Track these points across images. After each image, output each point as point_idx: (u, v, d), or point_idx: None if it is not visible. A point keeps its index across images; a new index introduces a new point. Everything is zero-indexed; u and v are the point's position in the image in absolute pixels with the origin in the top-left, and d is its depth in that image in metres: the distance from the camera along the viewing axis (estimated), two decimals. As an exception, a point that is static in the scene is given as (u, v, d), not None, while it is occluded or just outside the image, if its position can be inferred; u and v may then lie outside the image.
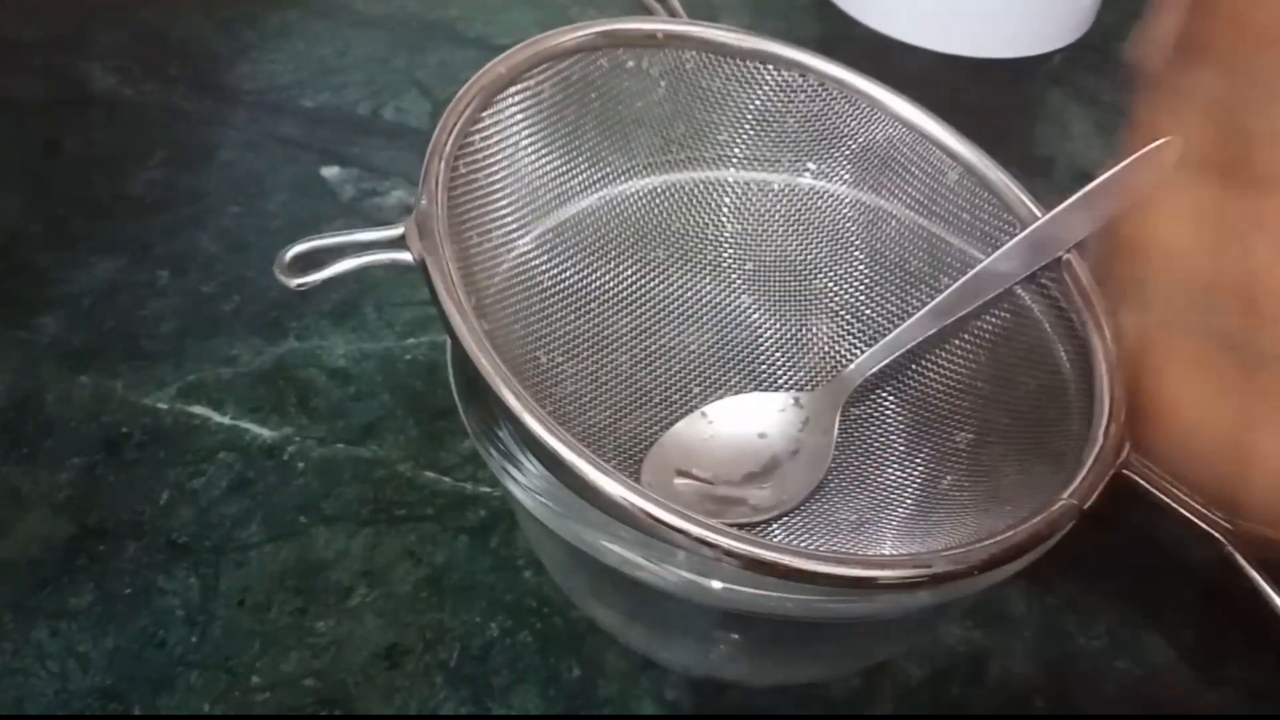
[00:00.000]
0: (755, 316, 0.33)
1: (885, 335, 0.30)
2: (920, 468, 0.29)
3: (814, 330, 0.32)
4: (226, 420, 0.34)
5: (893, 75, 0.31)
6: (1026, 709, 0.27)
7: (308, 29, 0.56)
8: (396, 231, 0.23)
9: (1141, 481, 0.24)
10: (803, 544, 0.27)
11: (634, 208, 0.31)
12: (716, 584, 0.21)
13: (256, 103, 0.49)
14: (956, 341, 0.30)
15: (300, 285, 0.22)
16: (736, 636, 0.25)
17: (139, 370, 0.35)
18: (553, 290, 0.29)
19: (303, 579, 0.29)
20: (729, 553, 0.19)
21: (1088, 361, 0.25)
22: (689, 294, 0.32)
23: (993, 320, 0.29)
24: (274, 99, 0.50)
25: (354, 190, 0.44)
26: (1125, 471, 0.23)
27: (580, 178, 0.30)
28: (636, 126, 0.31)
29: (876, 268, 0.32)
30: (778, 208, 0.33)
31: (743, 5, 0.61)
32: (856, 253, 0.32)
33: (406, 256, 0.22)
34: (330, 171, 0.45)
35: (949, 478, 0.28)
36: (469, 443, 0.24)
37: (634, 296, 0.31)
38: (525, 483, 0.22)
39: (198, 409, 0.34)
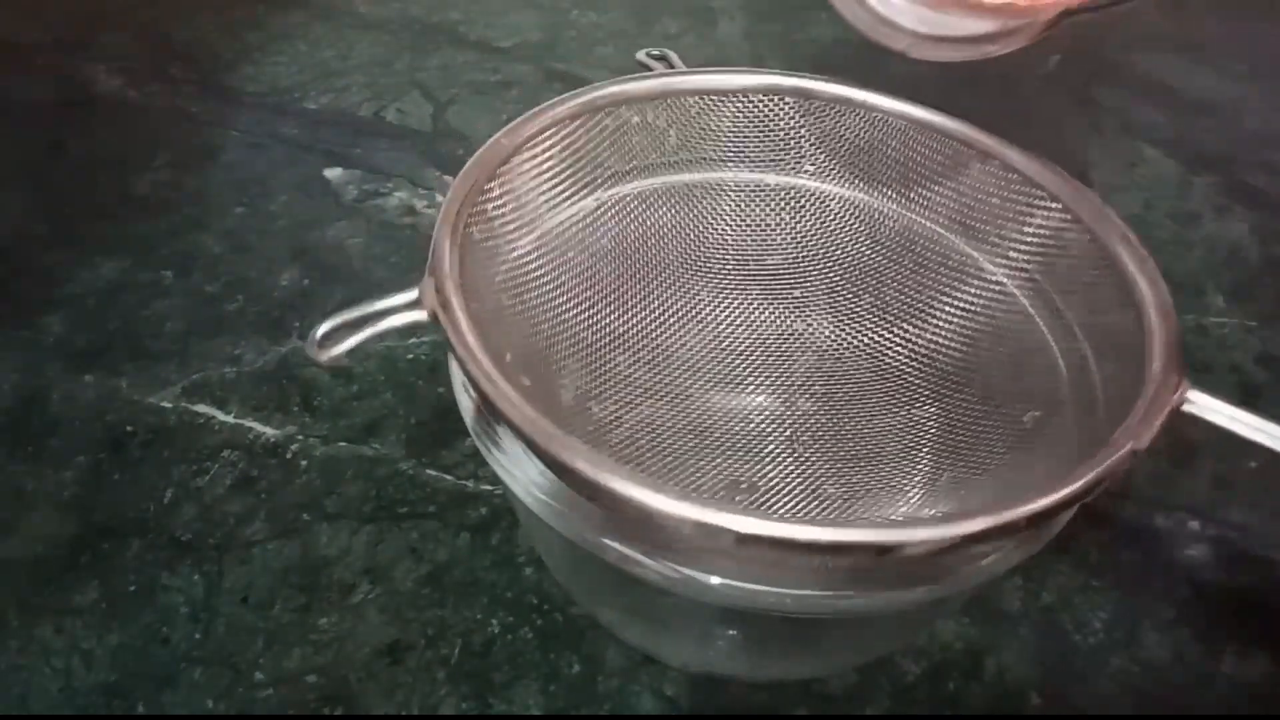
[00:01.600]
0: (756, 315, 0.33)
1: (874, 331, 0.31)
2: (942, 422, 0.29)
3: (814, 328, 0.33)
4: (230, 419, 0.34)
5: (889, 83, 0.32)
6: (1022, 706, 0.28)
7: (310, 31, 0.56)
8: (411, 295, 0.24)
9: (1202, 415, 0.23)
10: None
11: (648, 234, 0.32)
12: (715, 580, 0.21)
13: (259, 104, 0.50)
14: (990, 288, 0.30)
15: (330, 360, 0.22)
16: (735, 633, 0.25)
17: (143, 369, 0.36)
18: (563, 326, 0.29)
19: (305, 576, 0.30)
20: (751, 538, 0.19)
21: (1133, 301, 0.25)
22: (709, 306, 0.33)
23: (1034, 263, 0.29)
24: (277, 101, 0.50)
25: (356, 191, 0.44)
26: (1187, 409, 0.23)
27: (596, 217, 0.31)
28: (649, 172, 0.32)
29: (878, 265, 0.32)
30: (779, 212, 0.33)
31: (740, 7, 0.61)
32: (860, 250, 0.32)
33: (422, 315, 0.23)
34: (333, 173, 0.45)
35: (973, 433, 0.28)
36: (470, 441, 0.24)
37: (652, 337, 0.32)
38: (526, 480, 0.23)
39: (202, 408, 0.34)
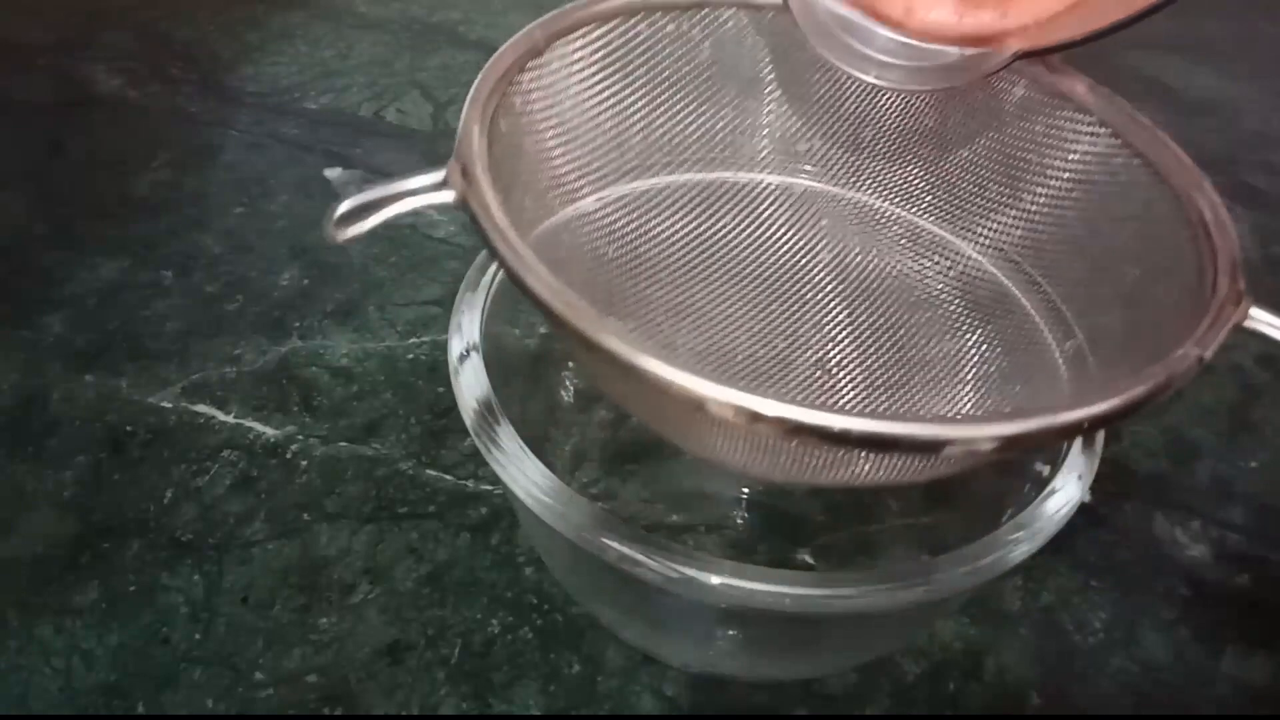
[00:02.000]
0: (785, 237, 0.32)
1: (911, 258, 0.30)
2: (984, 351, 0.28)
3: (848, 255, 0.32)
4: (230, 419, 0.34)
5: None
6: (1022, 706, 0.28)
7: (310, 31, 0.56)
8: (438, 176, 0.23)
9: (1266, 329, 0.23)
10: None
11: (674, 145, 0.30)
12: (715, 580, 0.21)
13: (259, 104, 0.50)
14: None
15: (348, 239, 0.22)
16: (735, 632, 0.25)
17: (143, 369, 0.36)
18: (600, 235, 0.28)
19: (305, 576, 0.30)
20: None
21: (1191, 220, 0.24)
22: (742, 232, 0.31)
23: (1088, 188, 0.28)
24: (277, 101, 0.50)
25: (356, 191, 0.44)
26: (1247, 324, 0.22)
27: (628, 139, 0.29)
28: (684, 89, 0.30)
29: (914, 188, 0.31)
30: (813, 135, 0.32)
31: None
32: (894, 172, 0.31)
33: (449, 196, 0.22)
34: (333, 173, 0.45)
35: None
36: (470, 441, 0.24)
37: (680, 239, 0.30)
38: (526, 480, 0.23)
39: (202, 408, 0.34)
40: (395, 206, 0.22)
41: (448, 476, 0.32)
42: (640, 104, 0.29)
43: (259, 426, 0.34)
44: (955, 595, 0.23)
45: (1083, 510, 0.22)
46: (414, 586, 0.29)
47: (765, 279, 0.31)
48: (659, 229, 0.30)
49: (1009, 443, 0.19)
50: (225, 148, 0.47)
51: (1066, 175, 0.28)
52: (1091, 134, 0.28)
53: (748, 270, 0.31)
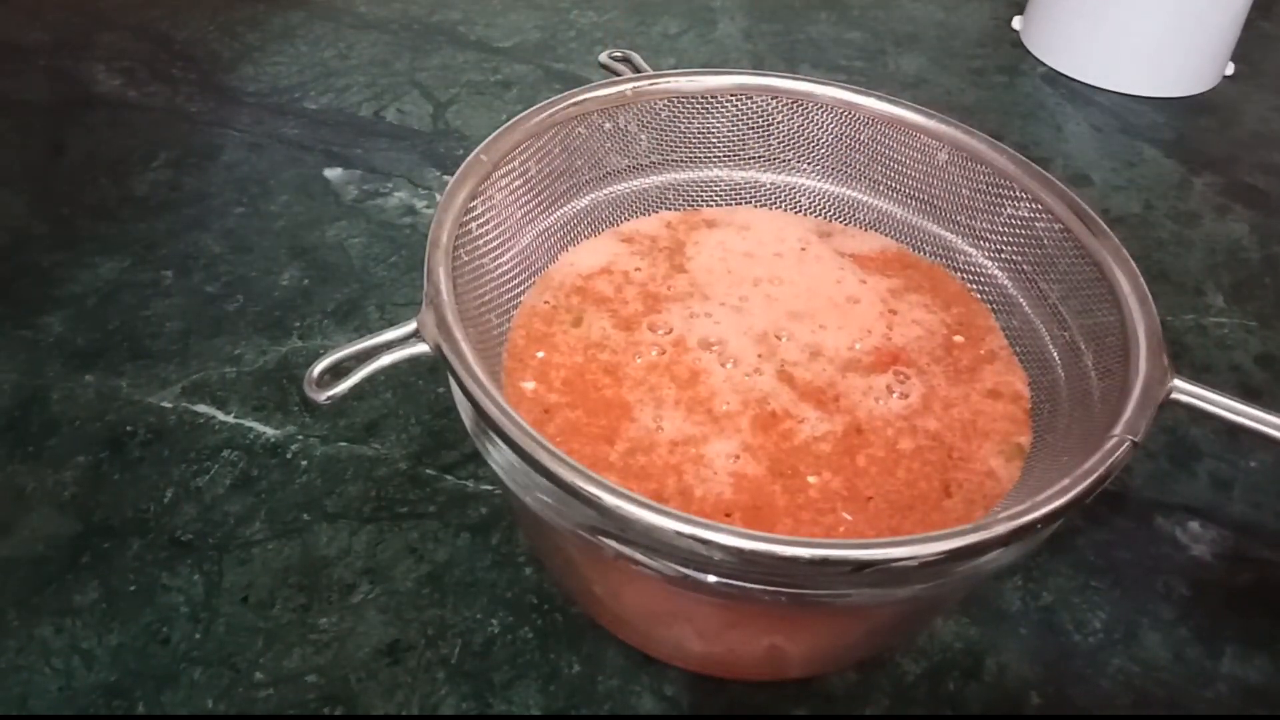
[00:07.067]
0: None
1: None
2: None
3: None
4: (230, 419, 0.34)
5: (889, 81, 0.32)
6: (1022, 705, 0.28)
7: (310, 31, 0.56)
8: (409, 328, 0.23)
9: (1194, 401, 0.23)
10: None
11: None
12: (711, 578, 0.21)
13: (260, 104, 0.50)
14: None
15: (328, 399, 0.22)
16: (732, 629, 0.25)
17: (143, 369, 0.36)
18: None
19: (305, 576, 0.30)
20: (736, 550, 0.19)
21: (1115, 299, 0.25)
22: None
23: (1013, 256, 0.30)
24: (277, 101, 0.50)
25: (356, 191, 0.44)
26: (1175, 396, 0.23)
27: (580, 234, 0.31)
28: (627, 179, 0.32)
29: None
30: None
31: (740, 7, 0.61)
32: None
33: (423, 348, 0.23)
34: (333, 173, 0.45)
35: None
36: (470, 441, 0.24)
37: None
38: (524, 481, 0.23)
39: (202, 407, 0.34)
40: (371, 365, 0.23)
41: (448, 476, 0.33)
42: (584, 202, 0.31)
43: (259, 426, 0.34)
44: (954, 592, 0.23)
45: (1083, 510, 0.22)
46: (414, 586, 0.29)
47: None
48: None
49: (963, 552, 0.20)
50: (225, 148, 0.47)
51: (1000, 240, 0.30)
52: (1015, 199, 0.29)
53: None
